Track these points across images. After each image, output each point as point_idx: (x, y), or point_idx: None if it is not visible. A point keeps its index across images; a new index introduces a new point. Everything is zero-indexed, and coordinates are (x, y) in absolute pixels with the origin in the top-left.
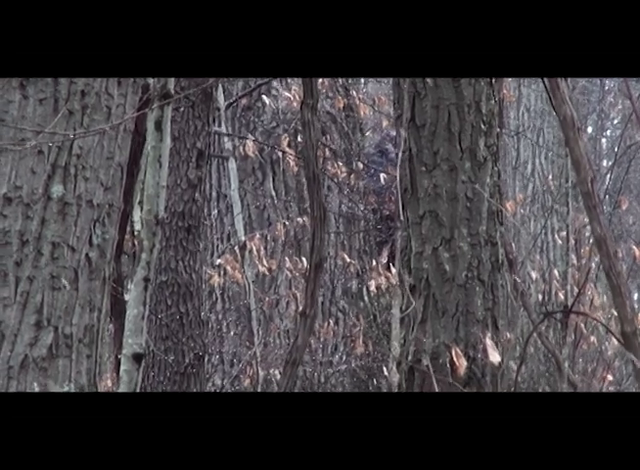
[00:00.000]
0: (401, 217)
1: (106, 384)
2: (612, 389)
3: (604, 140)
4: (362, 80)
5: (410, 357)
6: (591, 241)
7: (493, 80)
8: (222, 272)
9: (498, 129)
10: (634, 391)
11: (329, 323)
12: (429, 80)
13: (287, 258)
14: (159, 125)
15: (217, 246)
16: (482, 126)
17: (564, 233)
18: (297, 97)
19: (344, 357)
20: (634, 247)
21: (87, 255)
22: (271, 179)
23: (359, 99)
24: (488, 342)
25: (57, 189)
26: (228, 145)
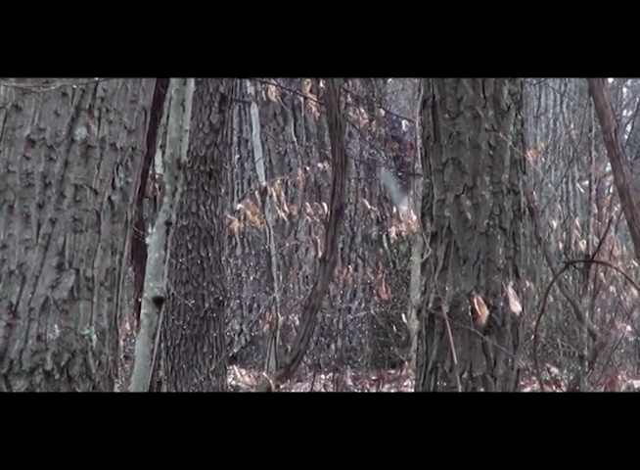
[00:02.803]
0: (421, 165)
1: (126, 327)
2: (631, 339)
3: (625, 90)
4: None
5: (430, 305)
6: (612, 190)
7: None
8: (242, 217)
9: (522, 78)
10: None
11: (348, 270)
12: None
13: (307, 204)
14: None
15: (238, 191)
16: None
17: (585, 182)
18: None
19: (364, 304)
20: None
21: (110, 198)
22: (292, 125)
23: None
24: (510, 291)
25: (80, 132)
26: (250, 90)
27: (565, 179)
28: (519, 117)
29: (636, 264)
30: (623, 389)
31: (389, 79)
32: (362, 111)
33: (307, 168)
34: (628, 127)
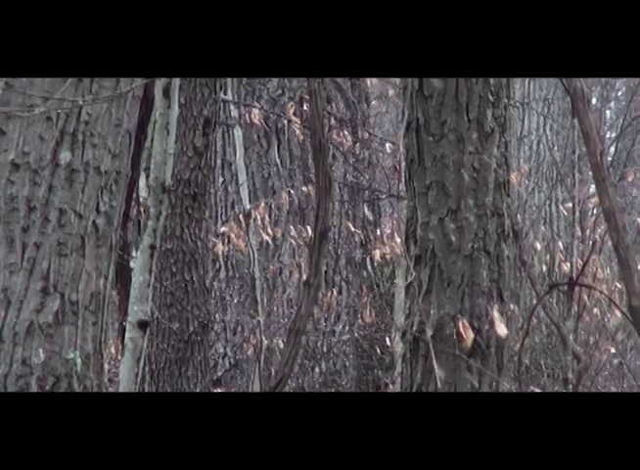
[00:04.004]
0: (406, 188)
1: (110, 351)
2: (615, 361)
3: (608, 111)
4: None
5: (414, 328)
6: (595, 212)
7: None
8: (226, 240)
9: (506, 100)
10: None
11: (332, 292)
12: None
13: (291, 227)
14: (166, 93)
15: (222, 214)
16: (490, 97)
17: (568, 204)
18: None
19: (348, 327)
20: (639, 219)
21: (94, 222)
22: (276, 148)
23: None
24: (495, 314)
25: (65, 156)
26: (234, 113)
27: (548, 201)
28: (503, 139)
29: (620, 286)
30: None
31: (373, 102)
32: (346, 133)
33: (291, 191)
34: (612, 149)
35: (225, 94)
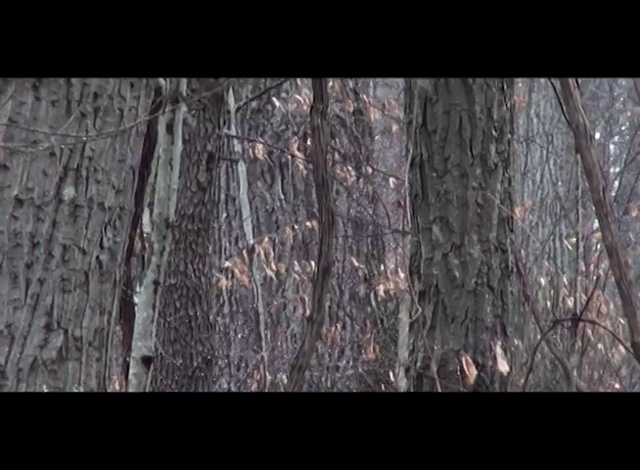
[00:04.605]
0: (410, 223)
1: (115, 387)
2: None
3: (612, 146)
4: (371, 84)
5: (419, 364)
6: (599, 248)
7: (505, 86)
8: (230, 275)
9: (509, 136)
10: None
11: (336, 328)
12: (440, 85)
13: (295, 262)
14: (170, 128)
15: (225, 249)
16: (494, 133)
17: (572, 239)
18: (306, 100)
19: (351, 362)
20: None
21: (98, 257)
22: (280, 182)
23: (369, 103)
24: (498, 350)
25: (68, 191)
26: (237, 148)
27: (552, 236)
28: (506, 174)
29: (623, 322)
30: None
31: (376, 137)
32: (349, 168)
33: (295, 226)
34: (615, 183)
35: (229, 129)
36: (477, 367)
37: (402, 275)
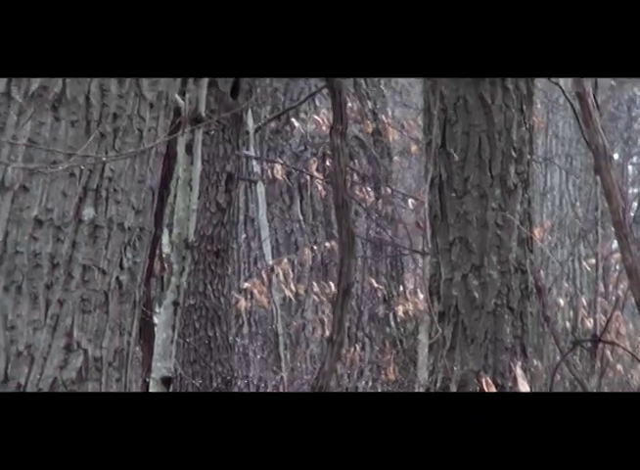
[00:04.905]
0: (429, 244)
1: None
2: None
3: (630, 167)
4: (390, 105)
5: (438, 385)
6: (618, 268)
7: (524, 107)
8: (249, 296)
9: (529, 156)
10: None
11: (355, 349)
12: (460, 106)
13: (314, 283)
14: (189, 149)
15: (244, 270)
16: (513, 153)
17: (591, 260)
18: (325, 121)
19: (371, 383)
20: None
21: (118, 278)
22: (299, 203)
23: (388, 123)
24: (518, 371)
25: (88, 212)
26: (256, 168)
27: (571, 257)
28: (526, 195)
29: None
30: None
31: (395, 157)
32: (368, 189)
33: (314, 247)
34: (634, 204)
35: (248, 150)
36: (496, 388)
37: (421, 296)
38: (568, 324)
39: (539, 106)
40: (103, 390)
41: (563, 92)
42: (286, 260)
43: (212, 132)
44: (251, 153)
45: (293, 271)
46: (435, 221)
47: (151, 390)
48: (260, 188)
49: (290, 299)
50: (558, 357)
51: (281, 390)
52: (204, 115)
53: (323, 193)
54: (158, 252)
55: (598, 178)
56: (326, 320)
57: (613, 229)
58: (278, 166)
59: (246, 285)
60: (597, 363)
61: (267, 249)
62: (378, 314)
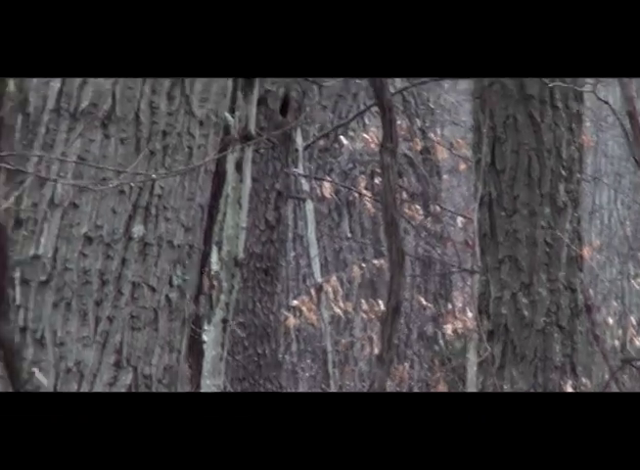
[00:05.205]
0: (478, 262)
1: None
2: None
3: None
4: (439, 123)
5: None
6: None
7: (573, 125)
8: (298, 314)
9: (578, 175)
10: None
11: (404, 367)
12: (509, 125)
13: (363, 301)
14: (239, 166)
15: (293, 287)
16: (562, 172)
17: None
18: (374, 138)
19: None
20: None
21: (167, 295)
22: (347, 221)
23: (437, 141)
24: (568, 389)
25: (138, 229)
26: (305, 186)
27: (620, 276)
28: (575, 214)
29: None
30: None
31: (445, 175)
32: (417, 207)
33: (363, 265)
34: None
35: (296, 167)
36: None
37: (470, 314)
38: (617, 343)
39: (588, 124)
40: None
41: (612, 111)
42: (335, 278)
43: (262, 150)
44: (300, 171)
45: (341, 289)
46: (485, 240)
47: None
48: (309, 206)
49: (338, 316)
50: (607, 376)
51: None
52: (253, 132)
53: (372, 211)
54: (207, 269)
55: None
56: (374, 338)
57: None
58: (327, 184)
59: (294, 302)
60: None
61: (316, 266)
62: (427, 332)
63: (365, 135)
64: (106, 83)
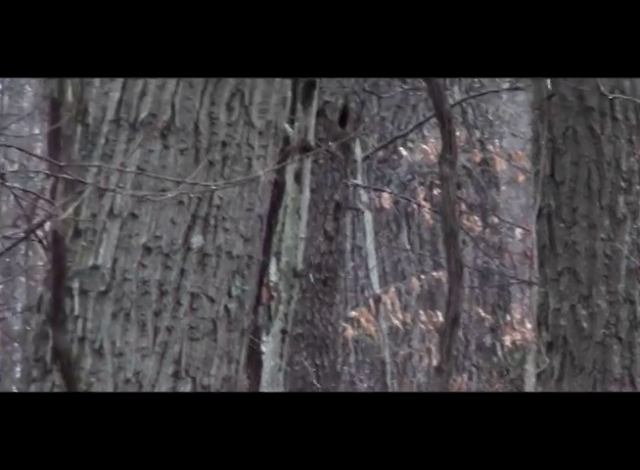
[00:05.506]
0: (535, 273)
1: None
2: None
3: None
4: (498, 134)
5: None
6: None
7: (633, 137)
8: (356, 325)
9: (638, 187)
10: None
11: (462, 378)
12: (568, 136)
13: (421, 312)
14: (298, 177)
15: (352, 298)
16: (622, 184)
17: None
18: (433, 150)
19: None
20: None
21: (226, 306)
22: (406, 232)
23: (495, 153)
24: None
25: (197, 240)
26: (364, 197)
27: None
28: (635, 226)
29: None
30: None
31: (503, 187)
32: (476, 218)
33: (421, 276)
34: None
35: (355, 178)
36: None
37: (529, 326)
38: None
39: None
40: None
41: None
42: (393, 289)
43: (321, 161)
44: (359, 181)
45: (400, 300)
46: (544, 251)
47: None
48: (368, 217)
49: (397, 328)
50: None
51: None
52: (312, 143)
53: (430, 222)
54: (265, 280)
55: None
56: (433, 349)
57: None
58: (386, 195)
59: (353, 314)
60: None
61: (374, 277)
62: (485, 344)
63: (424, 146)
64: (165, 94)
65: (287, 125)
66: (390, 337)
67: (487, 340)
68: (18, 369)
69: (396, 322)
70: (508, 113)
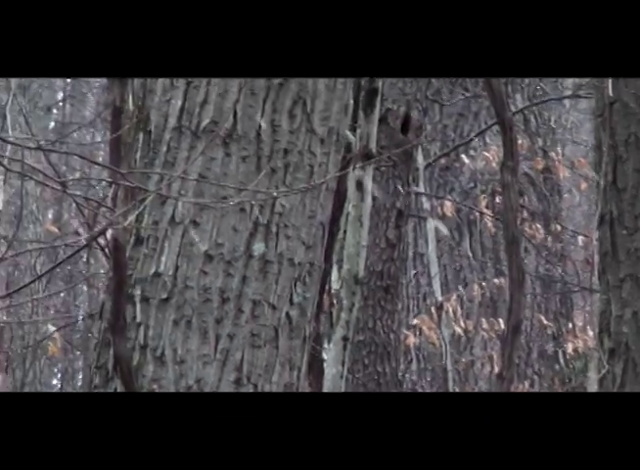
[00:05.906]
0: (596, 280)
1: None
2: None
3: None
4: (560, 142)
5: None
6: None
7: None
8: (418, 332)
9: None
10: None
11: (524, 385)
12: (631, 143)
13: (483, 319)
14: (360, 185)
15: (414, 306)
16: None
17: None
18: (495, 157)
19: None
20: None
21: (287, 313)
22: (468, 240)
23: (558, 161)
24: None
25: (258, 247)
26: (426, 205)
27: None
28: None
29: None
30: None
31: (565, 195)
32: (538, 226)
33: (483, 284)
34: None
35: (417, 186)
36: None
37: (591, 333)
38: None
39: None
40: None
41: None
42: (455, 297)
43: (383, 168)
44: (421, 189)
45: (462, 308)
46: (606, 258)
47: None
48: (430, 225)
49: (459, 335)
50: None
51: None
52: (374, 151)
53: (492, 230)
54: (327, 287)
55: None
56: (495, 357)
57: None
58: (448, 203)
59: (415, 321)
60: None
61: (436, 285)
62: (547, 351)
63: (486, 154)
64: (227, 101)
65: (349, 133)
66: (452, 344)
67: (549, 347)
68: (80, 377)
69: (458, 330)
70: (570, 120)
